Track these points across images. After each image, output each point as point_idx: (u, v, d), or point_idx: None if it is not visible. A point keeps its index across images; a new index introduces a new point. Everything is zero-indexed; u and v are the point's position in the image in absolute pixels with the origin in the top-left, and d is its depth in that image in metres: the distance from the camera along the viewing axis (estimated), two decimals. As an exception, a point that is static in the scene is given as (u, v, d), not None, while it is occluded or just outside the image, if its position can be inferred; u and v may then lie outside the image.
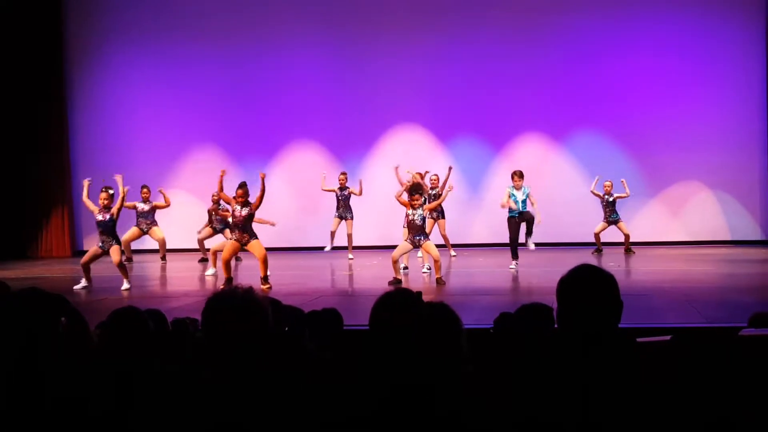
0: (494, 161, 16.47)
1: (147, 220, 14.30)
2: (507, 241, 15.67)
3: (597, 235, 14.47)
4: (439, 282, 10.37)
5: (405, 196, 10.91)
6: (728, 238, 15.83)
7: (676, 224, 16.04)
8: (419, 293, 2.97)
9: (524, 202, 12.30)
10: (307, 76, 16.65)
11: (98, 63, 17.22)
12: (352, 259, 13.81)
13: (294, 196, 16.77)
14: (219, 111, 16.86)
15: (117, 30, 17.10)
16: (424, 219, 10.75)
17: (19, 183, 16.76)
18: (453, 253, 14.24)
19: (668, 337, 3.31)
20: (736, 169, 15.77)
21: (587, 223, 15.96)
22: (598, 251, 14.30)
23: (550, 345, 2.65)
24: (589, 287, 2.60)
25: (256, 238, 10.70)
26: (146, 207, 14.27)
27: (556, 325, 3.49)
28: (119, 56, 17.11)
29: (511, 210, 12.31)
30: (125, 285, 10.70)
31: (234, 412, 2.44)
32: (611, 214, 14.44)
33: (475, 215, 15.94)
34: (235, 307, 2.53)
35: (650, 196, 16.10)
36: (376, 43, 16.44)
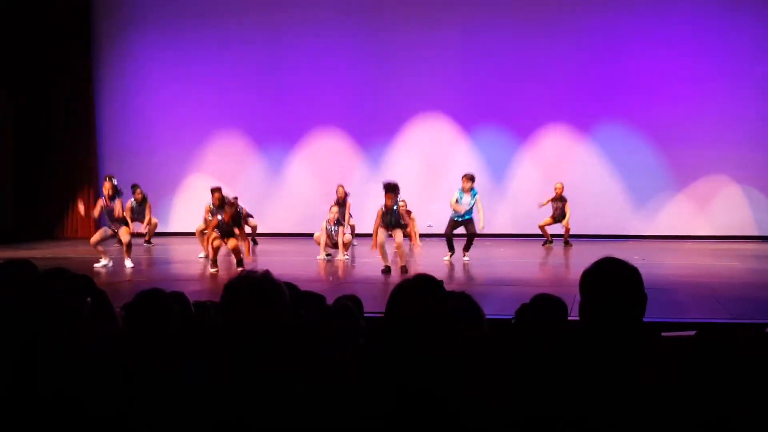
0: (518, 151, 16.39)
1: (141, 216, 14.68)
2: (531, 231, 15.71)
3: (543, 228, 14.59)
4: (404, 270, 10.27)
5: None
6: (755, 233, 15.66)
7: (702, 218, 15.89)
8: (441, 282, 2.95)
9: (472, 207, 12.11)
10: (331, 64, 16.64)
11: (126, 47, 17.32)
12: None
13: (316, 182, 16.78)
14: (243, 97, 16.91)
15: (145, 15, 17.18)
16: (398, 215, 10.61)
17: (45, 165, 16.92)
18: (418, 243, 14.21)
19: (693, 333, 3.28)
20: (764, 164, 15.58)
21: (612, 215, 15.89)
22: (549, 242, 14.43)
23: (573, 338, 2.63)
24: (612, 280, 2.58)
25: (236, 237, 10.98)
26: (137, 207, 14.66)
27: (570, 318, 3.48)
28: (146, 41, 17.20)
29: (456, 212, 12.13)
30: (128, 263, 11.04)
31: (253, 399, 2.45)
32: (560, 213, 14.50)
33: (498, 205, 15.89)
34: (253, 292, 2.52)
35: (676, 190, 15.96)
36: (400, 32, 16.39)
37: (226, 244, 10.86)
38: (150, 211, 14.78)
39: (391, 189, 10.52)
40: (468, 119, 16.47)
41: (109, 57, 17.37)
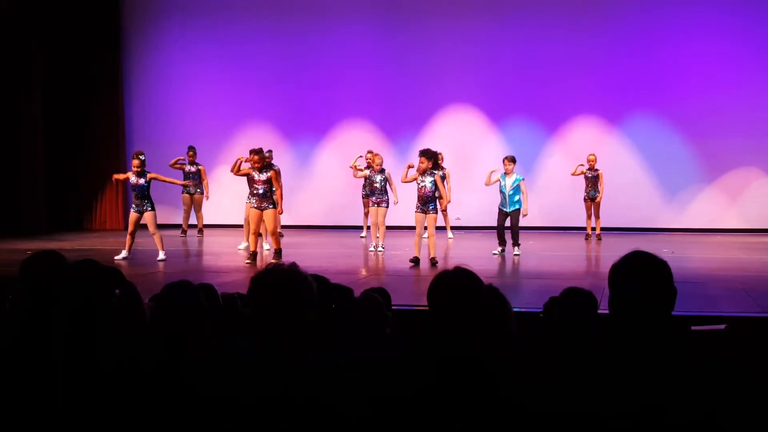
0: (547, 144, 16.30)
1: (194, 180, 15.02)
2: (559, 224, 15.64)
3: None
4: (433, 262, 10.29)
5: (410, 173, 10.95)
6: (787, 226, 15.46)
7: (733, 211, 15.71)
8: (477, 277, 2.94)
9: (514, 191, 12.01)
10: (359, 55, 16.63)
11: (154, 37, 17.42)
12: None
13: (344, 174, 16.77)
14: (272, 88, 16.95)
15: (173, 8, 17.27)
16: (435, 188, 10.65)
17: (75, 156, 17.08)
18: (450, 234, 14.20)
19: (722, 326, 3.25)
20: (797, 156, 15.40)
21: (642, 207, 15.76)
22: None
23: (602, 331, 2.62)
24: (642, 274, 2.56)
25: (274, 207, 11.10)
26: (193, 168, 15.06)
27: (600, 311, 3.46)
28: (175, 31, 17.29)
29: (501, 201, 12.13)
30: (161, 255, 11.09)
31: (281, 385, 2.46)
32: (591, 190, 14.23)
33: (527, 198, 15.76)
34: (279, 285, 2.54)
35: (707, 182, 15.79)
36: (429, 24, 16.33)
37: (262, 218, 10.95)
38: (206, 177, 15.12)
39: (423, 153, 10.67)
40: (497, 111, 16.39)
41: (138, 50, 17.48)
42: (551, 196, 15.95)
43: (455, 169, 15.39)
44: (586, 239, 14.06)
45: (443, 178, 13.52)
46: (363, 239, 14.22)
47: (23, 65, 15.71)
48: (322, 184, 16.88)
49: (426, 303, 2.89)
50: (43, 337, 2.91)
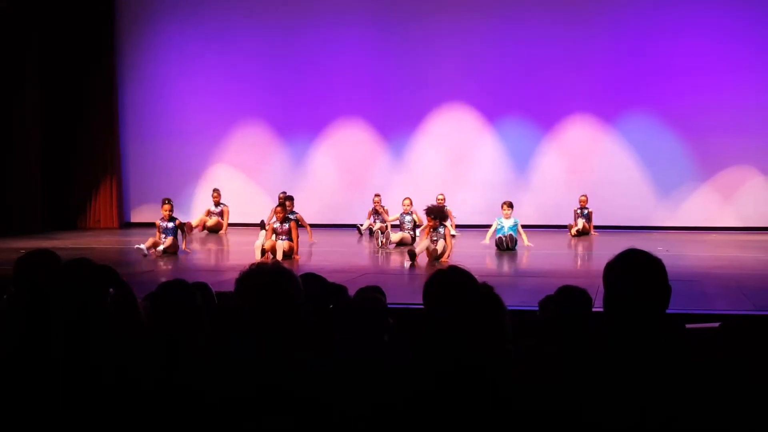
0: (542, 142, 16.29)
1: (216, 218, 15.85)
2: (554, 222, 15.62)
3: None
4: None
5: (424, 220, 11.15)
6: (781, 224, 15.49)
7: (728, 209, 15.73)
8: (472, 275, 2.95)
9: (512, 228, 12.24)
10: (355, 53, 16.61)
11: (149, 35, 17.36)
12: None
13: (340, 172, 16.79)
14: (267, 86, 16.90)
15: (168, 5, 17.22)
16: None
17: (69, 154, 17.02)
18: (453, 232, 14.24)
19: (717, 324, 3.25)
20: (791, 155, 15.42)
21: (636, 206, 15.77)
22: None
23: (597, 330, 2.62)
24: (636, 272, 2.57)
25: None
26: (216, 210, 15.79)
27: (595, 309, 3.47)
28: (169, 28, 17.22)
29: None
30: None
31: (277, 383, 2.46)
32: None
33: (522, 196, 15.78)
34: (264, 284, 2.54)
35: (702, 181, 15.81)
36: (423, 22, 16.30)
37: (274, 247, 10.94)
38: (228, 216, 15.81)
39: (428, 213, 10.78)
40: (491, 110, 16.37)
41: (134, 50, 17.41)
42: (546, 194, 15.95)
43: (450, 169, 15.43)
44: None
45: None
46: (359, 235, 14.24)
47: (20, 64, 15.66)
48: (318, 182, 16.86)
49: (421, 301, 2.89)
50: (42, 337, 2.91)
